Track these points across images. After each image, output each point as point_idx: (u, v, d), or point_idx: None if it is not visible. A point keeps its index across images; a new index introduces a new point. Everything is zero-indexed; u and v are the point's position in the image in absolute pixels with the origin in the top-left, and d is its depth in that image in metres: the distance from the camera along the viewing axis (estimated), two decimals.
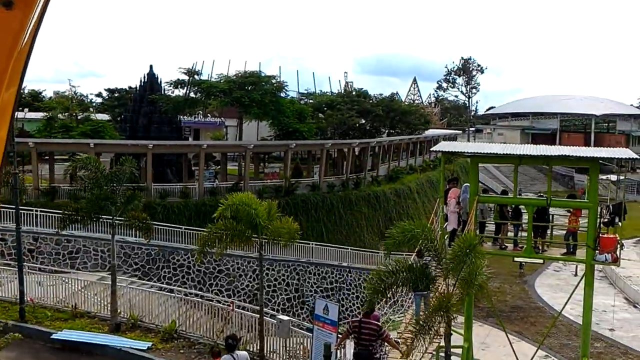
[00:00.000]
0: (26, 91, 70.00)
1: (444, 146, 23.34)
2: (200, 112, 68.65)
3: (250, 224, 15.32)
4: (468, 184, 21.90)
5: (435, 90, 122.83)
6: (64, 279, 25.45)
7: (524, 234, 20.59)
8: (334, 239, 45.55)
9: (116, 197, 19.34)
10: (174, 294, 26.51)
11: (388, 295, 12.46)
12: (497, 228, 22.07)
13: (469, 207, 20.16)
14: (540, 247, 20.91)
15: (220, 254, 18.07)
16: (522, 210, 21.82)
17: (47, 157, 46.62)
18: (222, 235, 15.25)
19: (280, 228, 15.01)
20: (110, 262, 31.09)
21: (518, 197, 23.51)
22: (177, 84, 59.67)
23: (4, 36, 1.06)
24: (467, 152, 20.99)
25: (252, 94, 54.46)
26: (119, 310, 19.91)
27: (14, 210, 24.70)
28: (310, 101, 73.94)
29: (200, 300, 22.21)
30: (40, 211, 33.00)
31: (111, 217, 19.88)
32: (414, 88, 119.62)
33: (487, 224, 23.10)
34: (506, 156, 20.17)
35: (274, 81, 59.46)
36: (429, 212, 59.35)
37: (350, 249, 41.82)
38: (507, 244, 21.39)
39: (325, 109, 68.70)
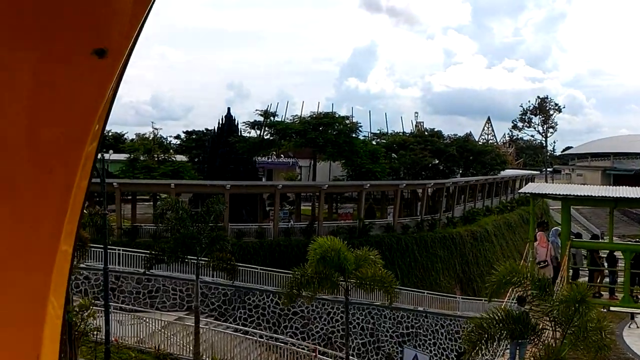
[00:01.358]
0: (110, 134, 73.32)
1: (533, 188, 22.43)
2: (274, 152, 69.70)
3: (338, 268, 14.99)
4: (557, 228, 20.87)
5: (510, 130, 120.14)
6: (144, 318, 25.83)
7: (621, 280, 19.36)
8: (408, 282, 44.44)
9: (202, 238, 19.53)
10: (249, 336, 26.36)
11: (488, 347, 11.68)
12: (590, 275, 20.82)
13: (562, 252, 19.16)
14: (639, 296, 19.54)
15: (312, 299, 17.80)
16: (618, 257, 20.57)
17: (129, 197, 48.22)
18: (310, 278, 14.96)
19: (378, 278, 14.57)
20: (188, 302, 31.42)
21: (613, 242, 22.21)
22: (254, 125, 60.91)
23: (94, 87, 1.03)
24: (559, 194, 20.03)
25: (326, 134, 54.83)
26: (200, 353, 19.85)
27: (98, 249, 25.42)
28: (383, 141, 73.70)
29: (281, 344, 21.91)
30: (123, 250, 33.87)
31: (196, 257, 20.04)
32: (488, 127, 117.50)
33: (580, 271, 21.87)
34: (602, 199, 19.11)
35: (347, 122, 59.74)
36: (508, 255, 57.31)
37: (427, 293, 40.64)
38: (602, 292, 20.13)
39: (397, 148, 68.27)
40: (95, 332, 15.28)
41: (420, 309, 38.47)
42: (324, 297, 33.56)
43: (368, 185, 49.79)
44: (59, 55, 0.98)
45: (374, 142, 71.75)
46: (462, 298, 42.46)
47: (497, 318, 11.30)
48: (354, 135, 59.71)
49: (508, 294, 18.17)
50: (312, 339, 33.49)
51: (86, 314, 15.62)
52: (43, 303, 1.02)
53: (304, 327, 34.75)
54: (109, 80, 1.04)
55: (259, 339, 23.73)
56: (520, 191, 25.62)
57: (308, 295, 16.49)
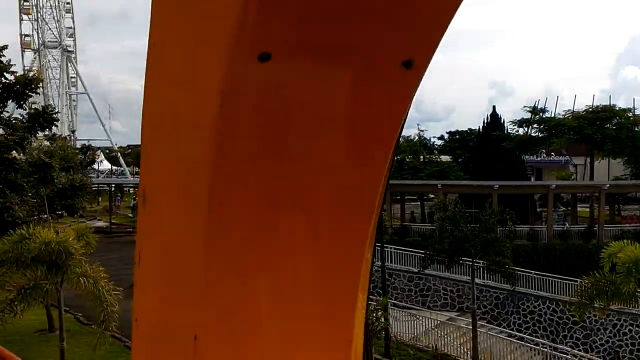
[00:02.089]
0: None
1: None
2: (543, 150, 65.82)
3: (637, 277, 13.39)
4: None
5: None
6: (417, 316, 26.40)
7: None
8: None
9: (476, 240, 19.23)
10: (526, 342, 25.25)
11: None
12: None
13: None
14: None
15: (605, 311, 16.32)
16: None
17: (398, 197, 49.91)
18: (603, 288, 13.62)
19: None
20: (459, 302, 31.28)
21: None
22: (522, 123, 58.37)
23: (401, 97, 1.07)
24: None
25: (604, 129, 50.14)
26: (479, 358, 19.55)
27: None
28: None
29: (562, 355, 20.50)
30: (394, 248, 35.07)
31: (470, 260, 19.80)
32: None
33: None
34: None
35: (629, 114, 53.70)
36: None
37: None
38: None
39: None
40: (383, 329, 15.98)
41: None
42: (610, 308, 30.54)
43: None
44: (373, 69, 1.03)
45: None
46: None
47: None
48: (637, 129, 53.49)
49: None
50: (595, 352, 30.72)
51: (380, 313, 16.43)
52: (354, 299, 1.16)
53: (586, 339, 31.97)
54: (413, 90, 1.07)
55: (540, 347, 22.51)
56: None
57: (601, 307, 15.01)
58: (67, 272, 15.91)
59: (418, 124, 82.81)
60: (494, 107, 59.93)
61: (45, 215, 28.65)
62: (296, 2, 0.98)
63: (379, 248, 25.05)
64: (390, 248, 35.17)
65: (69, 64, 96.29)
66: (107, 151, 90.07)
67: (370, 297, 27.66)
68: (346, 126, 1.09)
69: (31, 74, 30.89)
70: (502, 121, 58.26)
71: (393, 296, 32.96)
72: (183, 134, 1.10)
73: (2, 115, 26.76)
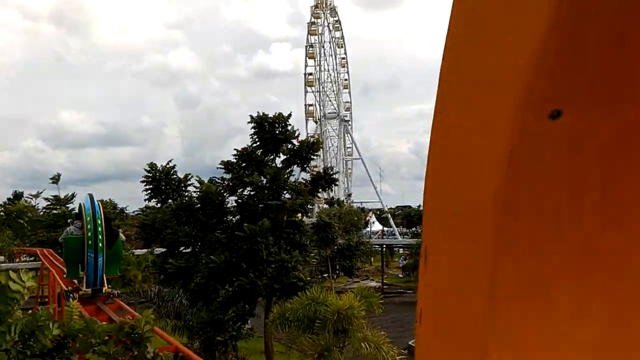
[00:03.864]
0: None
1: None
2: None
3: None
4: None
5: None
6: None
7: None
8: None
9: None
10: None
11: None
12: None
13: None
14: None
15: None
16: None
17: None
18: None
19: None
20: None
21: None
22: None
23: None
24: None
25: None
26: None
27: None
28: None
29: None
30: None
31: None
32: None
33: None
34: None
35: None
36: None
37: None
38: None
39: None
40: None
41: None
42: None
43: None
44: None
45: None
46: None
47: None
48: None
49: None
50: None
51: None
52: None
53: None
54: None
55: None
56: None
57: None
58: (350, 337, 15.98)
59: None
60: None
61: (327, 275, 29.66)
62: (596, 50, 0.89)
63: None
64: None
65: (346, 134, 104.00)
66: (378, 212, 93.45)
67: None
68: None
69: (312, 139, 33.14)
70: None
71: None
72: (465, 198, 1.07)
73: (289, 180, 28.71)
